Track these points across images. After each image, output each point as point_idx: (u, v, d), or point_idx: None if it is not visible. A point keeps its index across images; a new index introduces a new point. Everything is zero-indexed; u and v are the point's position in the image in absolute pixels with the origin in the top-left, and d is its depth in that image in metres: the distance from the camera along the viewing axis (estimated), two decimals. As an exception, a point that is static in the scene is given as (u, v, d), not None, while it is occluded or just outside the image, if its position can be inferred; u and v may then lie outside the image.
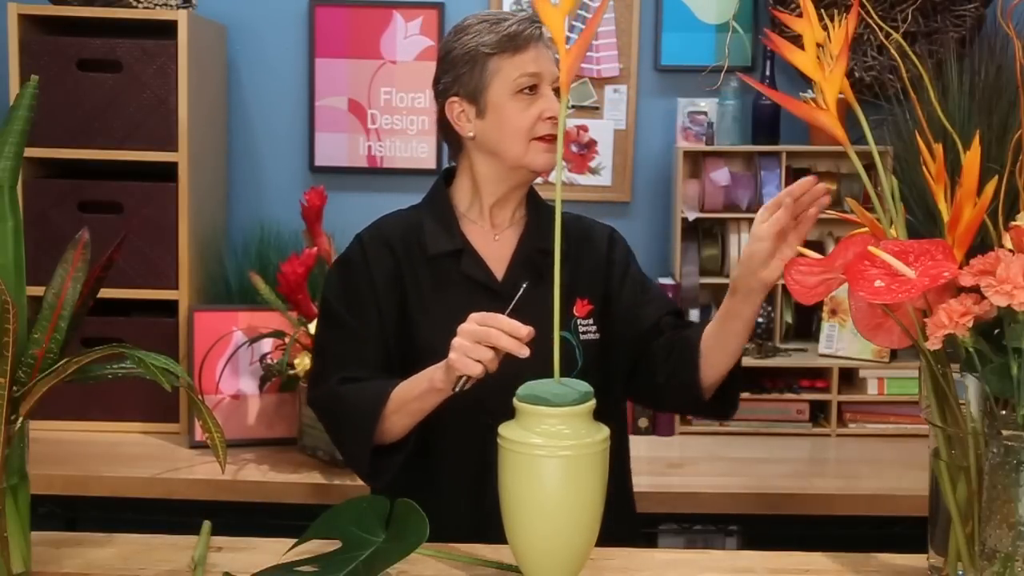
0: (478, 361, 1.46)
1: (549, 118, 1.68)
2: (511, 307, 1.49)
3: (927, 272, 1.15)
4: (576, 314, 1.73)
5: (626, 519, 1.82)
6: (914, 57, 1.33)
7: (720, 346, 1.64)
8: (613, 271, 1.78)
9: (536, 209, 1.80)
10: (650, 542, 2.34)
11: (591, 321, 1.74)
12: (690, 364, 1.66)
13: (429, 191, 1.80)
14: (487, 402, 1.57)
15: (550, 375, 1.34)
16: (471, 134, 1.72)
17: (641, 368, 1.73)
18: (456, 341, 1.48)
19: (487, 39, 1.68)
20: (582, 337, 1.73)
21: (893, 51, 1.39)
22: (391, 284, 1.71)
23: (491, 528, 1.51)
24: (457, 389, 1.50)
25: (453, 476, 1.68)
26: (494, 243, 1.75)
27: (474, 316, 1.50)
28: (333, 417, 1.72)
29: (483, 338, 1.46)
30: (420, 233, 1.73)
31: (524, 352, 1.44)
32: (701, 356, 1.65)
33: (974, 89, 2.57)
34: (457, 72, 1.71)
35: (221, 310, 2.54)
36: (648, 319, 1.75)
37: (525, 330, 1.45)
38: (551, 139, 1.69)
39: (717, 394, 1.71)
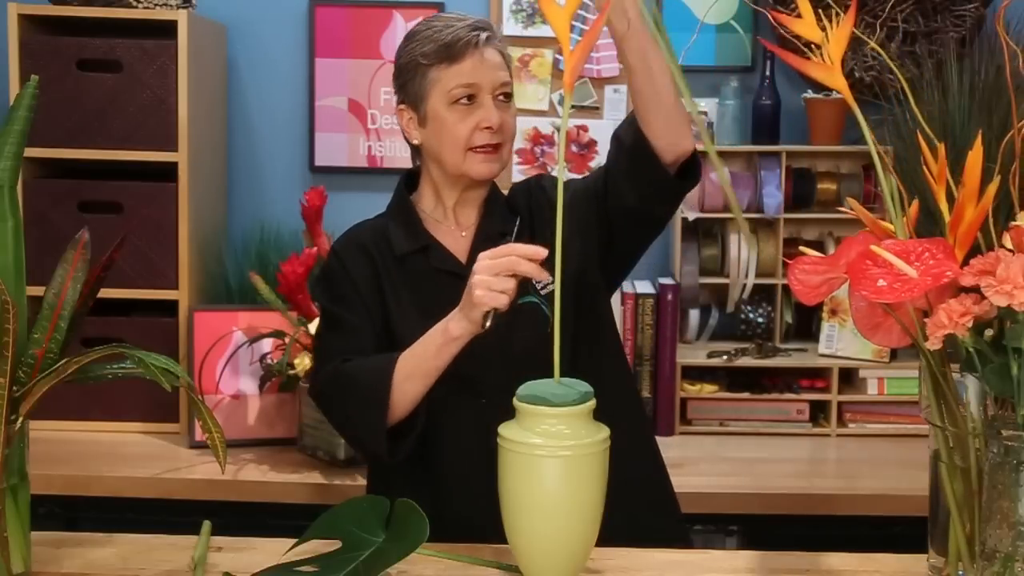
0: (503, 292, 1.49)
1: (487, 128, 1.69)
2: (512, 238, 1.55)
3: (929, 271, 1.15)
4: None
5: (671, 517, 1.84)
6: (891, 63, 1.33)
7: (638, 71, 1.59)
8: (553, 210, 1.78)
9: (494, 198, 1.82)
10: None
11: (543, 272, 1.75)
12: (643, 154, 1.63)
13: (392, 197, 1.84)
14: (480, 381, 1.59)
15: (535, 342, 1.35)
16: (416, 142, 1.76)
17: (616, 214, 1.71)
18: (477, 279, 1.51)
19: (426, 48, 1.69)
20: (543, 292, 1.73)
21: (884, 56, 1.39)
22: (370, 283, 1.74)
23: (496, 521, 1.51)
24: (487, 325, 1.52)
25: (454, 467, 1.69)
26: (461, 239, 1.79)
27: (485, 253, 1.53)
28: (341, 395, 1.69)
29: (505, 268, 1.50)
30: (388, 236, 1.77)
31: (546, 276, 1.50)
32: (641, 123, 1.62)
33: (974, 89, 2.57)
34: (403, 80, 1.75)
35: (221, 310, 2.55)
36: (593, 188, 1.75)
37: (543, 252, 1.48)
38: (490, 148, 1.70)
39: (681, 168, 1.69)
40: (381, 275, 1.74)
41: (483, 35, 1.69)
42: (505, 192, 1.85)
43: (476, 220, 1.80)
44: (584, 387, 1.33)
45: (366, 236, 1.78)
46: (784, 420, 2.62)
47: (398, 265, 1.75)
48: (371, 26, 2.89)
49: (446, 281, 1.72)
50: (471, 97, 1.69)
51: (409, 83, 1.73)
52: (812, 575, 1.44)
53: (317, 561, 1.31)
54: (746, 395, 2.62)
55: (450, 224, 1.79)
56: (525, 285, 1.72)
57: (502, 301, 1.49)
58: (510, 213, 1.80)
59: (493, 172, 1.74)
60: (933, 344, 1.15)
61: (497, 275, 1.50)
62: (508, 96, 1.73)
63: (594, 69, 2.88)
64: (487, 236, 1.76)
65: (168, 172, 2.53)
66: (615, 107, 2.90)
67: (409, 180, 1.84)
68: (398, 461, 1.67)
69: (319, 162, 2.93)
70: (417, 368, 1.60)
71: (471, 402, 1.66)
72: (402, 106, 1.76)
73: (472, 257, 1.74)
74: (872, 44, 1.30)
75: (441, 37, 1.68)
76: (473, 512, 1.56)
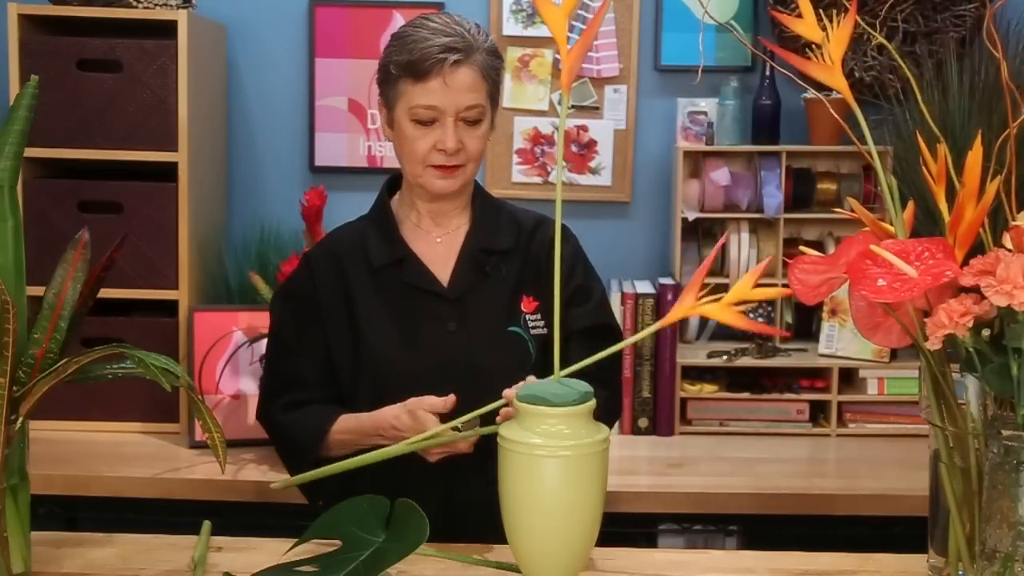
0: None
1: (442, 150, 1.67)
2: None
3: (929, 271, 1.15)
4: (524, 310, 1.74)
5: None
6: (900, 60, 1.33)
7: None
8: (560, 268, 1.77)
9: (483, 207, 1.80)
10: (650, 542, 2.34)
11: (539, 316, 1.75)
12: None
13: (374, 201, 1.83)
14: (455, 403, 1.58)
15: (508, 372, 1.35)
16: (388, 139, 1.77)
17: None
18: (392, 435, 1.61)
19: (399, 58, 1.67)
20: (532, 332, 1.73)
21: (894, 51, 1.39)
22: (338, 298, 1.75)
23: (462, 529, 1.51)
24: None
25: (419, 477, 1.69)
26: (437, 245, 1.76)
27: (412, 406, 1.60)
28: (276, 442, 1.82)
29: (416, 431, 1.57)
30: (365, 244, 1.76)
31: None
32: None
33: (974, 89, 2.57)
34: (380, 79, 1.74)
35: (221, 310, 2.54)
36: (568, 327, 1.72)
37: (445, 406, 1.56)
38: (445, 168, 1.69)
39: None
40: (352, 288, 1.74)
41: (452, 57, 1.64)
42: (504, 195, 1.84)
43: (459, 226, 1.78)
44: (584, 387, 1.33)
45: (342, 246, 1.78)
46: (784, 420, 2.62)
47: (373, 276, 1.74)
48: (371, 26, 2.89)
49: (420, 297, 1.73)
50: (431, 120, 1.67)
51: (384, 84, 1.73)
52: (812, 575, 1.44)
53: (317, 561, 1.31)
54: (746, 395, 2.62)
55: (427, 228, 1.77)
56: (516, 316, 1.72)
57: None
58: (512, 227, 1.78)
59: (451, 188, 1.72)
60: (933, 344, 1.15)
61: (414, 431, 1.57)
62: (473, 121, 1.69)
63: (594, 69, 2.88)
64: (473, 255, 1.75)
65: (168, 172, 2.53)
66: (615, 107, 2.90)
67: (392, 184, 1.84)
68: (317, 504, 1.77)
69: (319, 162, 2.93)
70: (347, 442, 1.69)
71: (442, 423, 1.66)
72: (380, 101, 1.76)
73: (456, 272, 1.73)
74: (880, 39, 1.30)
75: (414, 50, 1.65)
76: (439, 526, 1.56)
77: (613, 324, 1.83)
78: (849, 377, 2.65)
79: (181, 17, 2.49)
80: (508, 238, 1.77)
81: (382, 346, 1.70)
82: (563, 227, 1.78)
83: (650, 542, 2.34)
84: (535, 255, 1.77)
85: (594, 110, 2.90)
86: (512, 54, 2.87)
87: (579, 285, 1.78)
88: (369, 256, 1.75)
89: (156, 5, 2.53)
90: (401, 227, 1.77)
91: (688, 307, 1.25)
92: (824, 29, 1.27)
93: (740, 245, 2.74)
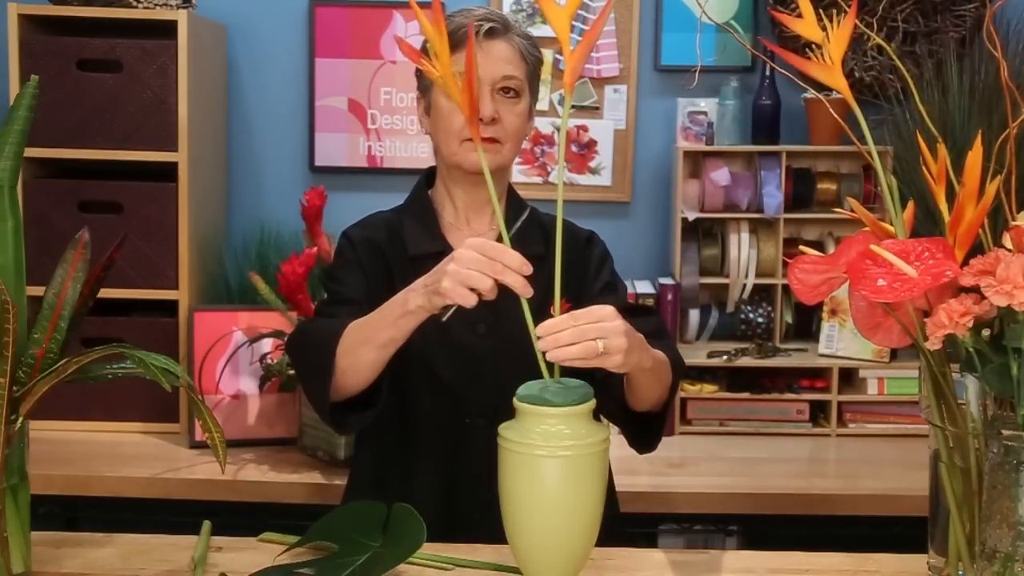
0: (473, 290, 1.37)
1: (479, 119, 1.63)
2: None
3: (929, 271, 1.15)
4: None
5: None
6: (898, 62, 1.32)
7: (631, 392, 1.61)
8: (587, 272, 1.77)
9: (516, 212, 1.78)
10: (650, 542, 2.34)
11: None
12: (619, 398, 1.62)
13: (410, 192, 1.80)
14: (469, 401, 1.57)
15: (531, 376, 1.34)
16: (425, 131, 1.74)
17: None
18: (452, 268, 1.38)
19: None
20: None
21: (891, 51, 1.39)
22: (380, 279, 1.70)
23: (460, 528, 1.51)
24: (445, 319, 1.43)
25: (426, 473, 1.68)
26: None
27: (472, 242, 1.39)
28: (297, 353, 1.68)
29: (487, 269, 1.36)
30: (402, 234, 1.73)
31: (528, 292, 1.36)
32: (627, 390, 1.61)
33: (974, 89, 2.57)
34: (419, 69, 1.72)
35: (221, 310, 2.54)
36: None
37: (529, 268, 1.37)
38: (482, 140, 1.62)
39: (640, 430, 1.69)
40: (394, 274, 1.70)
41: (486, 26, 1.65)
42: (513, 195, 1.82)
43: (492, 228, 1.76)
44: (584, 387, 1.33)
45: (380, 235, 1.74)
46: (784, 420, 2.62)
47: (411, 266, 1.70)
48: (371, 26, 2.89)
49: None
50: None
51: (422, 72, 1.72)
52: (812, 575, 1.44)
53: (315, 564, 1.31)
54: (746, 395, 2.62)
55: (463, 228, 1.75)
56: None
57: (470, 302, 1.38)
58: (539, 232, 1.76)
59: (488, 164, 1.69)
60: (933, 344, 1.15)
61: (478, 272, 1.37)
62: (512, 91, 1.68)
63: (594, 69, 2.88)
64: None
65: (168, 172, 2.53)
66: (615, 107, 2.90)
67: (429, 178, 1.82)
68: (345, 433, 1.65)
69: (319, 162, 2.94)
70: (372, 336, 1.53)
71: (456, 420, 1.65)
72: (418, 94, 1.75)
73: None
74: (879, 39, 1.30)
75: (450, 24, 1.63)
76: (437, 524, 1.54)
77: (642, 304, 1.83)
78: (849, 377, 2.65)
79: (181, 17, 2.49)
80: (539, 244, 1.75)
81: (413, 339, 1.67)
82: (592, 232, 1.83)
83: (650, 542, 2.34)
84: (570, 259, 1.76)
85: (594, 110, 2.90)
86: (512, 54, 2.86)
87: (608, 282, 1.79)
88: (407, 245, 1.71)
89: (156, 5, 2.53)
90: (439, 222, 1.75)
91: None
92: (824, 29, 1.27)
93: (740, 245, 2.74)
